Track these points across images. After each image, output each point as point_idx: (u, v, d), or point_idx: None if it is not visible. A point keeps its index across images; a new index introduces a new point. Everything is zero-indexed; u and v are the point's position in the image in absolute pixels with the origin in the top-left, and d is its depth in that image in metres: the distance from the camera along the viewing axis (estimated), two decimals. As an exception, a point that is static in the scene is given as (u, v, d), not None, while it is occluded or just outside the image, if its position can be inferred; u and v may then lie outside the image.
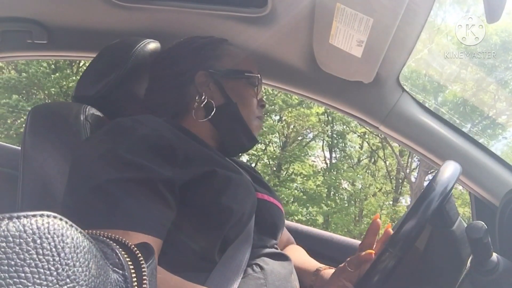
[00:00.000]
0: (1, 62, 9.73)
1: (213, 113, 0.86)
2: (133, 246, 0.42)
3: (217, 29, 1.00)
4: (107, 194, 0.63)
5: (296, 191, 11.58)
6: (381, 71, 1.10)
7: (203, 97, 0.87)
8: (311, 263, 0.96)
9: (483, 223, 0.64)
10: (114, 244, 0.39)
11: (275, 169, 11.66)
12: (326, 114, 11.39)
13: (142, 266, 0.40)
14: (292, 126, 11.69)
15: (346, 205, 11.58)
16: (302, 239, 1.33)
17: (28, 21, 1.20)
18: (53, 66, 9.94)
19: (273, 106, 11.12)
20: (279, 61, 1.21)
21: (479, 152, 1.15)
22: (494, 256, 0.69)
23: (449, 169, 0.75)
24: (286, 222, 1.39)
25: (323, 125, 12.06)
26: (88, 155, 0.70)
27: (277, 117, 12.02)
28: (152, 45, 1.02)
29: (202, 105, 0.87)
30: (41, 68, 9.61)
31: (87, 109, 0.92)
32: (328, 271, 0.90)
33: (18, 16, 1.20)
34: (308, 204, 11.11)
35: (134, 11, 1.15)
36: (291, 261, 0.86)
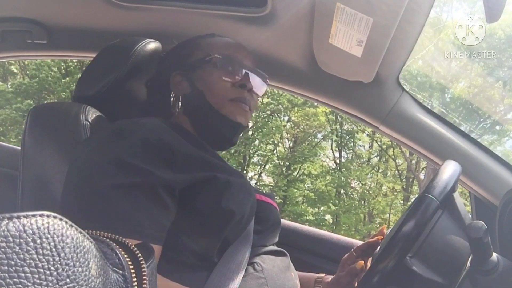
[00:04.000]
0: (14, 68, 9.74)
1: (179, 103, 0.90)
2: (133, 246, 0.42)
3: (217, 29, 1.00)
4: (105, 200, 0.62)
5: (306, 191, 11.57)
6: (381, 71, 1.10)
7: (172, 95, 0.92)
8: (308, 276, 0.99)
9: (483, 223, 0.64)
10: (114, 244, 0.39)
11: (284, 169, 11.63)
12: (334, 113, 11.29)
13: (142, 266, 0.40)
14: (301, 127, 11.64)
15: (356, 203, 11.56)
16: (302, 239, 1.33)
17: (28, 21, 1.20)
18: (63, 70, 9.92)
19: (279, 106, 11.10)
20: (279, 61, 1.21)
21: (479, 152, 1.14)
22: (494, 256, 0.68)
23: (449, 169, 0.74)
24: (287, 222, 1.39)
25: (331, 124, 12.02)
26: (87, 158, 0.69)
27: (286, 117, 12.00)
28: (152, 45, 1.01)
29: (177, 102, 0.91)
30: (52, 72, 9.60)
31: (87, 109, 0.92)
32: (328, 276, 0.95)
33: (18, 16, 1.20)
34: (318, 204, 11.12)
35: (134, 11, 1.15)
36: (288, 257, 0.87)
